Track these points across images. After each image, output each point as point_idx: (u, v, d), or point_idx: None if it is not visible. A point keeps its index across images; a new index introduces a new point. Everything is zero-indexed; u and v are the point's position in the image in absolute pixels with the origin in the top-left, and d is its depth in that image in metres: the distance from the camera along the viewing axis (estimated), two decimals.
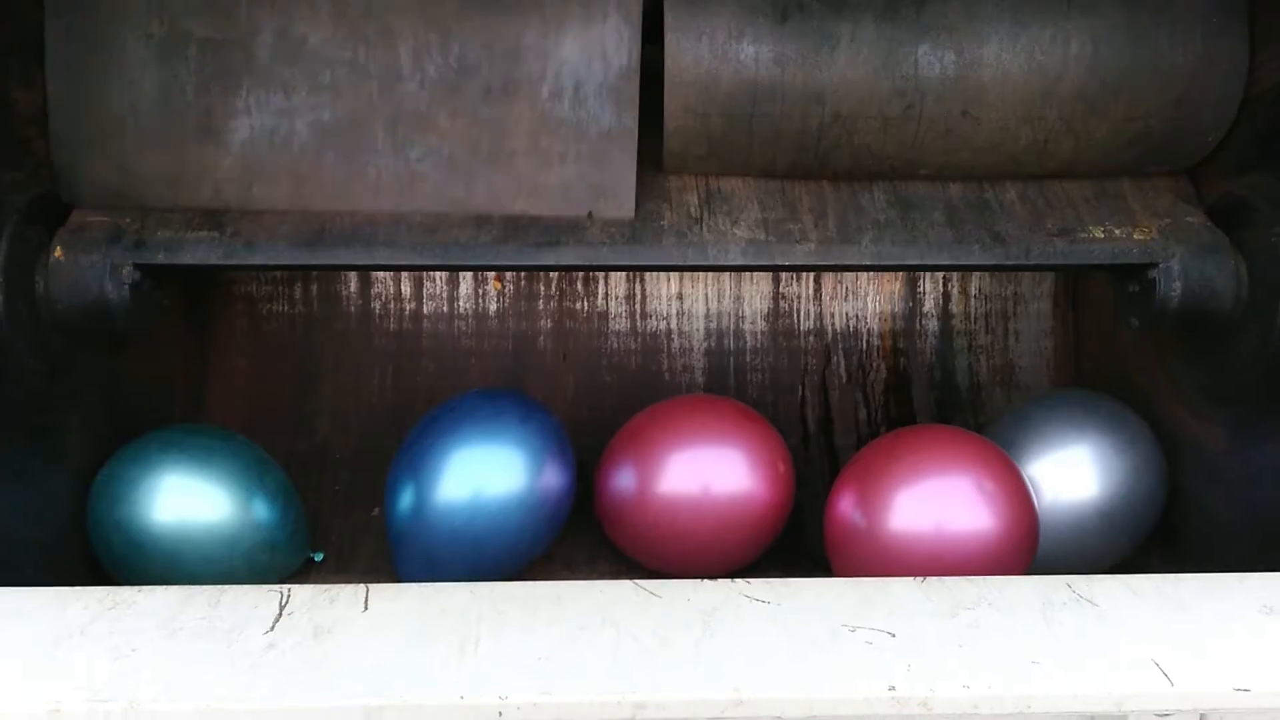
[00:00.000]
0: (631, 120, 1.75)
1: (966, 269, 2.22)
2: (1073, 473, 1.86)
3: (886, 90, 1.75)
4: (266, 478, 1.82)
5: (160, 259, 1.69)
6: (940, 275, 2.30)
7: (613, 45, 1.73)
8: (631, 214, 1.78)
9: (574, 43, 1.73)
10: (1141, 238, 1.79)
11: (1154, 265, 1.75)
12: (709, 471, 1.80)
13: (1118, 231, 1.80)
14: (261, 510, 1.78)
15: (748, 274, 2.27)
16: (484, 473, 1.77)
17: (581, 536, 1.97)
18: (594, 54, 1.73)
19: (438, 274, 2.23)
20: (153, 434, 1.81)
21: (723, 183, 1.86)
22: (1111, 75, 1.76)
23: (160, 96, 1.72)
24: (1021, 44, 1.74)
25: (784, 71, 1.73)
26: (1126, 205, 1.86)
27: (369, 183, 1.76)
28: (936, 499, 1.71)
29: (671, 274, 2.27)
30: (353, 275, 2.23)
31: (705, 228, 1.79)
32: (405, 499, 1.79)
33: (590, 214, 1.78)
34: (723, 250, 1.77)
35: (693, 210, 1.81)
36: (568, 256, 1.75)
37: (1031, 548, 1.75)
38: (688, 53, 1.73)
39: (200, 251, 1.70)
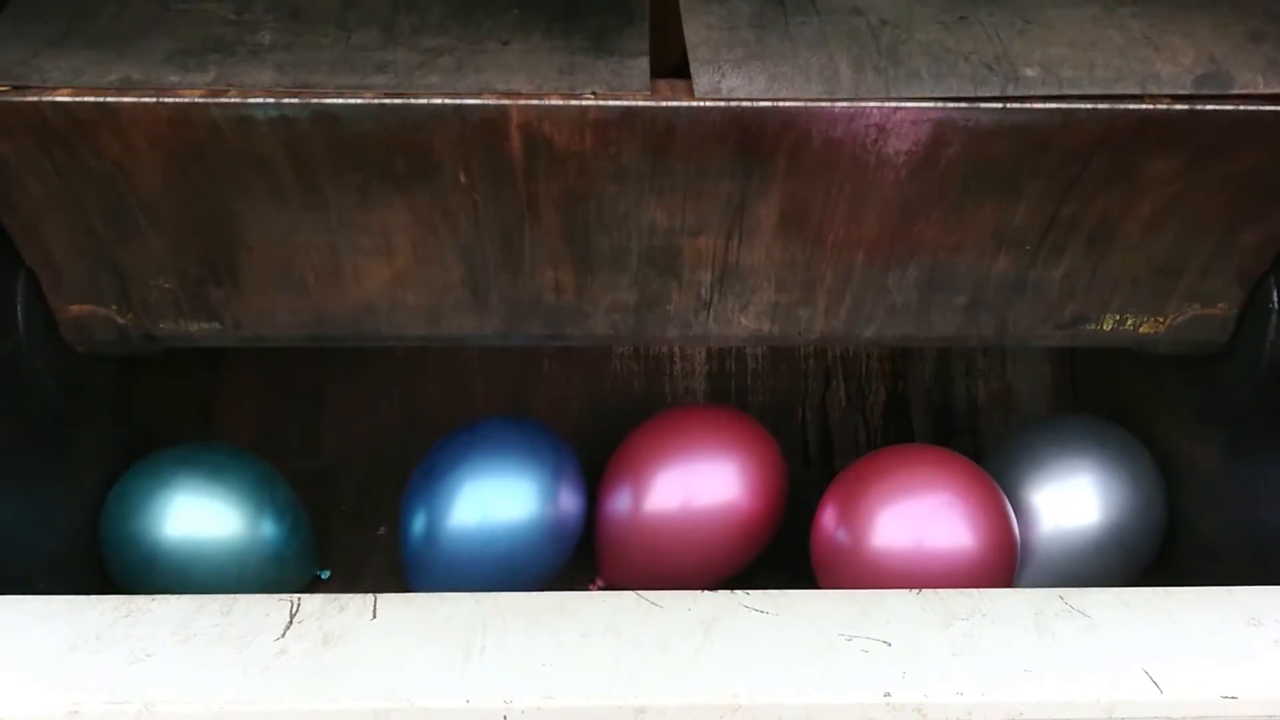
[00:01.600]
0: None
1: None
2: (1074, 499, 1.88)
3: None
4: (275, 494, 1.85)
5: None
6: None
7: None
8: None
9: None
10: (1148, 330, 1.70)
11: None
12: (696, 485, 1.85)
13: (1130, 322, 1.70)
14: (270, 527, 1.81)
15: None
16: (499, 498, 1.81)
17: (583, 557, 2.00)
18: None
19: None
20: (165, 451, 1.85)
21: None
22: None
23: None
24: None
25: None
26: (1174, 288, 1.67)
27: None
28: (916, 517, 1.74)
29: None
30: None
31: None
32: (420, 523, 1.82)
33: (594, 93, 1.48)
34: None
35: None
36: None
37: (1010, 567, 1.77)
38: None
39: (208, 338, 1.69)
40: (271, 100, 1.37)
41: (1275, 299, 1.68)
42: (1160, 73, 1.44)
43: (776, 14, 1.52)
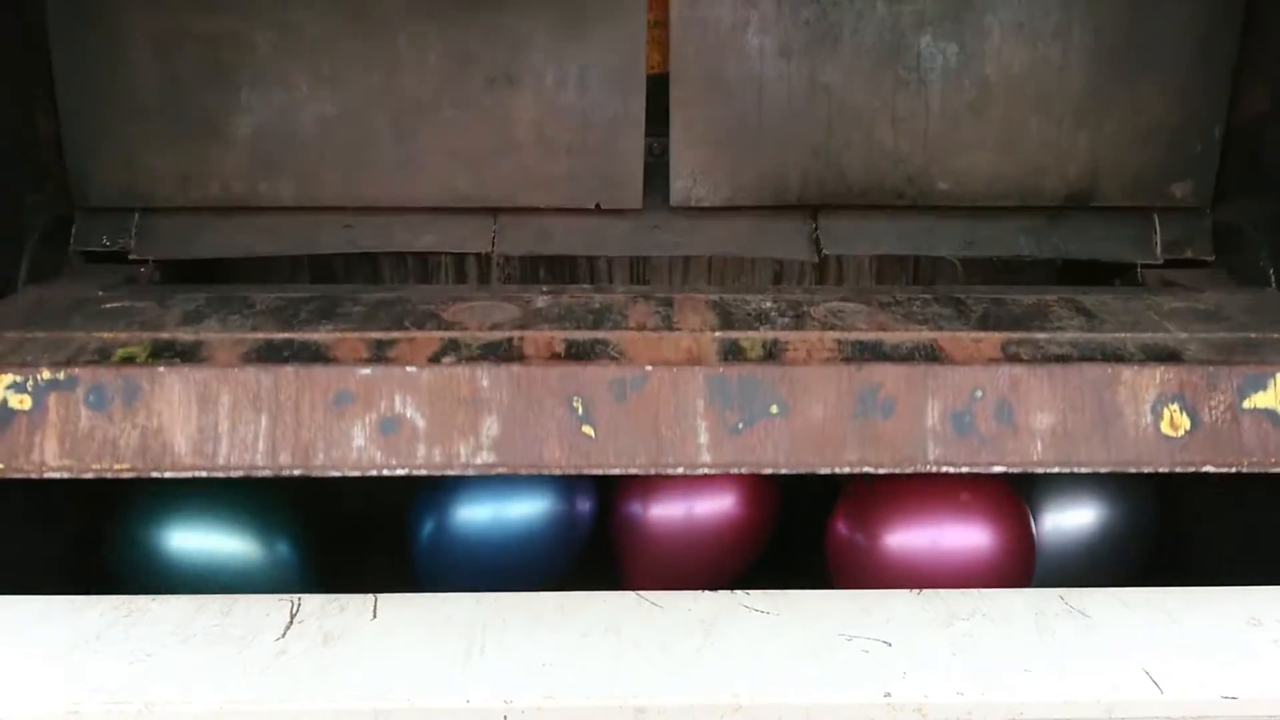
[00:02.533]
0: (638, 107, 1.79)
1: None
2: (1068, 507, 1.88)
3: None
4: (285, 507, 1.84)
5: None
6: None
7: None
8: (639, 204, 1.82)
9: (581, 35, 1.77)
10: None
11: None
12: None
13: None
14: (283, 548, 1.80)
15: None
16: (510, 498, 1.80)
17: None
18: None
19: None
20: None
21: None
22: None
23: (164, 94, 1.77)
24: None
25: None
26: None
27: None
28: (932, 520, 1.74)
29: None
30: None
31: None
32: (428, 527, 1.81)
33: (598, 205, 1.82)
34: None
35: None
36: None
37: (1028, 567, 1.77)
38: None
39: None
40: None
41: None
42: None
43: None
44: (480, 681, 1.17)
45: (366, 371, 1.32)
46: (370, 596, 1.32)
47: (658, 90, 1.81)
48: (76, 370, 1.31)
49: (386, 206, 1.83)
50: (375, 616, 1.28)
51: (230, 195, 1.78)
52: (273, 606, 1.30)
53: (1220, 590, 1.37)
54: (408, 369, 1.33)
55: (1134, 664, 1.22)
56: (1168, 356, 1.37)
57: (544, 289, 1.63)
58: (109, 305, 1.50)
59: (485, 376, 1.33)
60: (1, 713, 1.14)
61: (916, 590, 1.35)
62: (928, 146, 1.78)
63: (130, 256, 1.76)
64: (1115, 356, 1.37)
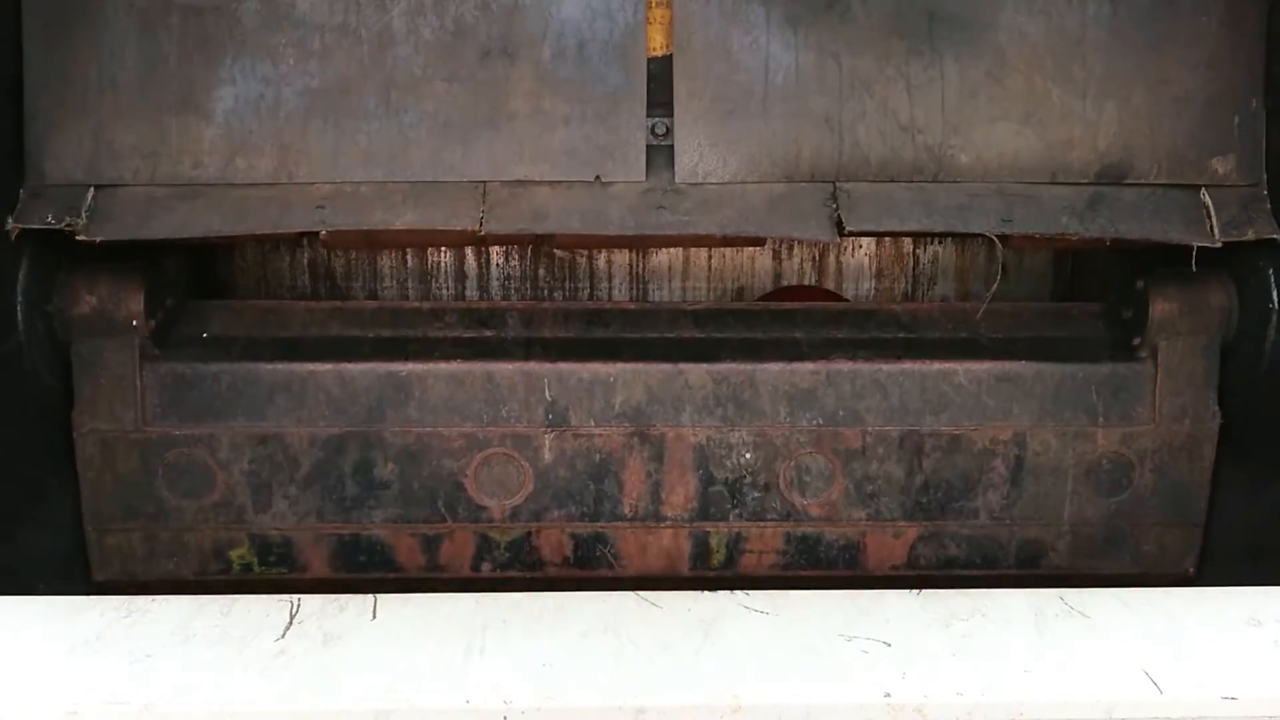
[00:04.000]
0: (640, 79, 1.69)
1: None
2: None
3: None
4: None
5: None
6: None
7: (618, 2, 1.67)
8: (642, 176, 1.70)
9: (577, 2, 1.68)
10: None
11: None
12: None
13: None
14: None
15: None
16: None
17: None
18: (599, 11, 1.68)
19: (444, 290, 2.25)
20: None
21: None
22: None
23: (141, 66, 1.66)
24: None
25: None
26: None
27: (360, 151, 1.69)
28: None
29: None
30: (362, 292, 2.25)
31: None
32: None
33: (598, 177, 1.69)
34: None
35: None
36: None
37: None
38: None
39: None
40: None
41: (1275, 299, 1.68)
42: None
43: None
44: (480, 681, 1.17)
45: None
46: (370, 596, 1.32)
47: (662, 71, 1.74)
48: None
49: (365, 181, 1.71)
50: (375, 616, 1.28)
51: (202, 173, 1.67)
52: (273, 606, 1.30)
53: (1220, 590, 1.37)
54: None
55: (1134, 664, 1.22)
56: None
57: (548, 425, 1.71)
58: None
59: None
60: (2, 713, 1.14)
61: (916, 590, 1.35)
62: (945, 116, 1.70)
63: (78, 236, 1.63)
64: None
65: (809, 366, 1.73)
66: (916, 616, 1.30)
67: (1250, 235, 1.68)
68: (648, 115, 1.68)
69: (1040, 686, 1.20)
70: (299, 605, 1.30)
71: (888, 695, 1.18)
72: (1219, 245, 1.66)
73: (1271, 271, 1.70)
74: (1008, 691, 1.19)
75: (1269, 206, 1.70)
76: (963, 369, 1.73)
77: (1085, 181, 1.73)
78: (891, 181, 1.71)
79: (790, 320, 1.85)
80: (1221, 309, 1.75)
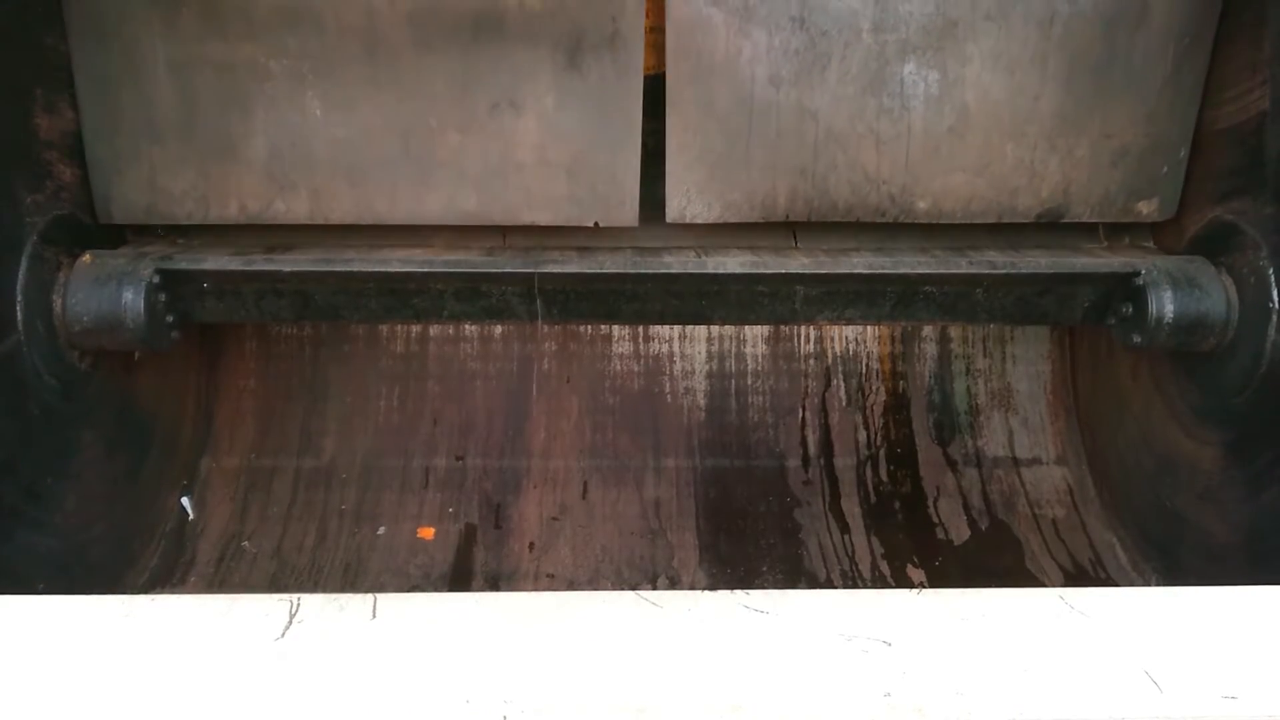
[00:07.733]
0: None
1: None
2: None
3: None
4: None
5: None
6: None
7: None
8: (635, 222, 1.84)
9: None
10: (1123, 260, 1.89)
11: (1137, 274, 1.82)
12: None
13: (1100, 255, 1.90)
14: None
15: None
16: None
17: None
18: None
19: None
20: None
21: None
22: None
23: (184, 117, 1.81)
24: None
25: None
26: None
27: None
28: None
29: None
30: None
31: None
32: None
33: (596, 223, 1.83)
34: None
35: None
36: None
37: None
38: None
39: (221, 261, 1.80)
40: None
41: (1275, 299, 1.68)
42: None
43: None
44: (480, 684, 1.17)
45: None
46: (370, 596, 1.31)
47: (654, 87, 1.84)
48: None
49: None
50: (375, 616, 1.28)
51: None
52: (273, 606, 1.29)
53: (1220, 590, 1.36)
54: None
55: (1134, 664, 1.22)
56: None
57: None
58: None
59: None
60: (1, 713, 1.14)
61: (916, 590, 1.35)
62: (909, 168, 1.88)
63: None
64: None
65: None
66: (916, 616, 1.30)
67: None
68: None
69: (1040, 686, 1.20)
70: (299, 605, 1.30)
71: (888, 695, 1.18)
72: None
73: (1272, 271, 1.70)
74: (1008, 691, 1.19)
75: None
76: None
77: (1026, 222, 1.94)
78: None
79: None
80: None
